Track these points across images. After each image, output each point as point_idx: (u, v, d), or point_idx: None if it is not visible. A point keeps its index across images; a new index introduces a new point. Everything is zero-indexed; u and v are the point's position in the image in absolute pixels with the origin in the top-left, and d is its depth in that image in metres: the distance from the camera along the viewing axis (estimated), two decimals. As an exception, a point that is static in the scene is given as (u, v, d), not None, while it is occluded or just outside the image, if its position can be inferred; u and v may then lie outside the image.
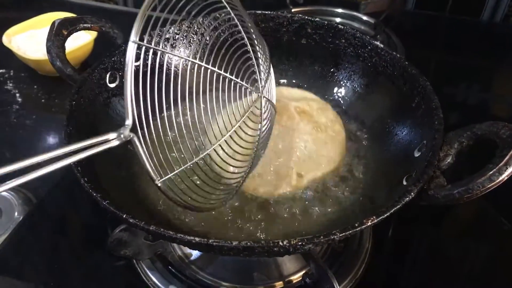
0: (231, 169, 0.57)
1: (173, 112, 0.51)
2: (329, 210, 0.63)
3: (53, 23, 0.66)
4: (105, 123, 0.66)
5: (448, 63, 1.15)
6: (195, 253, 0.68)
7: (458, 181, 0.50)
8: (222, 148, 0.54)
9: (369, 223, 0.47)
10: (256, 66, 0.58)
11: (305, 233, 0.59)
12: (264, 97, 0.58)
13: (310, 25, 0.78)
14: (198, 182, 0.52)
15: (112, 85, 0.68)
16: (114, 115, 0.68)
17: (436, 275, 0.69)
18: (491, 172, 0.48)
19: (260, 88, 0.58)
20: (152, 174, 0.46)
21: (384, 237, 0.73)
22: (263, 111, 0.58)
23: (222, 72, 0.54)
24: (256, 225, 0.61)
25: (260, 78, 0.58)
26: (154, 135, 0.47)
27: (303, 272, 0.66)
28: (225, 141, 0.54)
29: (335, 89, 0.80)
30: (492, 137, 0.52)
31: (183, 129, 0.54)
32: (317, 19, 0.77)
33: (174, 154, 0.50)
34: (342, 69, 0.78)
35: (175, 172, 0.48)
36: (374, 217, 0.47)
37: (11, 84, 1.05)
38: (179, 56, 0.53)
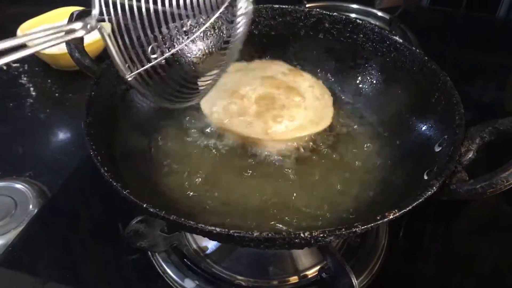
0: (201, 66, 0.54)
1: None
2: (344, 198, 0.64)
3: (72, 14, 0.66)
4: (124, 114, 0.66)
5: (463, 60, 1.15)
6: (210, 247, 0.68)
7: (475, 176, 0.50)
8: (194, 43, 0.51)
9: (391, 217, 0.46)
10: None
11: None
12: None
13: (328, 20, 0.77)
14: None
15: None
16: (132, 106, 0.68)
17: (451, 272, 0.68)
18: (515, 167, 0.48)
19: None
20: (122, 68, 0.44)
21: (400, 234, 0.72)
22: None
23: None
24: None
25: None
26: (123, 26, 0.44)
27: (319, 267, 0.65)
28: (198, 37, 0.51)
29: (353, 84, 0.79)
30: (515, 132, 0.52)
31: (155, 21, 0.51)
32: (335, 13, 0.77)
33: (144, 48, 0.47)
34: (360, 64, 0.77)
35: (146, 66, 0.46)
36: (396, 210, 0.47)
37: (25, 78, 1.06)
38: None
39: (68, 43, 0.65)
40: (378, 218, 0.46)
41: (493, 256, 0.72)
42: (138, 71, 0.45)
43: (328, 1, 1.20)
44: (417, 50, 0.69)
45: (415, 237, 0.73)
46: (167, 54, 0.48)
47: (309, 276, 0.66)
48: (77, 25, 0.41)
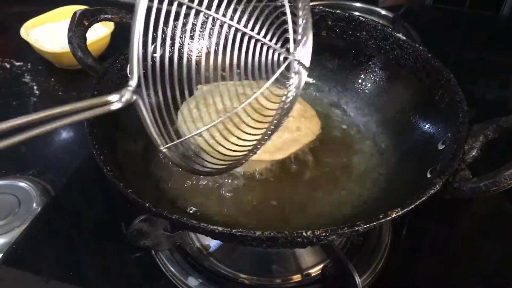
0: (242, 140, 0.53)
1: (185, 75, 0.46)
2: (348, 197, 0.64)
3: (75, 13, 0.66)
4: (127, 113, 0.65)
5: (466, 58, 1.14)
6: (213, 245, 0.68)
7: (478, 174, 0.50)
8: (237, 117, 0.50)
9: (394, 215, 0.46)
10: (289, 23, 0.52)
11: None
12: (295, 60, 0.53)
13: (331, 17, 0.77)
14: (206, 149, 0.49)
15: (133, 76, 0.68)
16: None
17: (454, 271, 0.68)
18: (519, 165, 0.47)
19: (291, 49, 0.53)
20: (157, 140, 0.43)
21: (403, 233, 0.72)
22: (291, 76, 0.53)
23: (244, 28, 0.49)
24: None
25: (293, 38, 0.52)
26: (161, 97, 0.43)
27: (322, 265, 0.65)
28: (239, 111, 0.50)
29: (356, 82, 0.79)
30: (519, 129, 0.52)
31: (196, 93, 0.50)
32: (338, 11, 0.77)
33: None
34: (363, 62, 0.77)
35: (182, 139, 0.46)
36: (399, 209, 0.46)
37: (28, 77, 1.06)
38: (197, 9, 0.45)
39: (71, 41, 0.65)
40: (381, 216, 0.46)
41: (496, 255, 0.71)
42: (174, 142, 0.45)
43: (331, 0, 1.20)
44: (421, 48, 0.68)
45: (418, 236, 0.73)
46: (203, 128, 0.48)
47: (313, 275, 0.66)
48: (114, 97, 0.40)
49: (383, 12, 1.18)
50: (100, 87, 0.61)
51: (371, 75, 0.77)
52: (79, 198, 0.77)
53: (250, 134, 0.53)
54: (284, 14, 0.53)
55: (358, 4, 1.20)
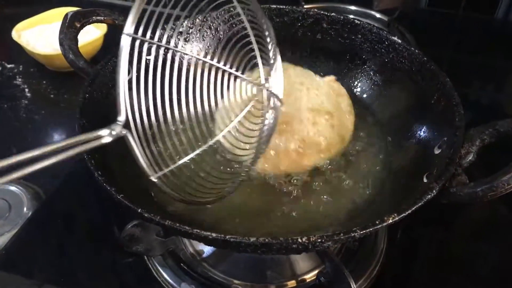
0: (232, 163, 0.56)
1: (169, 105, 0.50)
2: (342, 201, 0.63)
3: (66, 15, 0.66)
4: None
5: (461, 61, 1.14)
6: (207, 251, 0.67)
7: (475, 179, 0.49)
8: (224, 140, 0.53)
9: (390, 221, 0.46)
10: (258, 57, 0.57)
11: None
12: (267, 90, 0.56)
13: (326, 20, 0.77)
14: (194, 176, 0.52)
15: (125, 78, 0.67)
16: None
17: (450, 276, 0.68)
18: (516, 170, 0.47)
19: (262, 81, 0.56)
20: (147, 170, 0.46)
21: (399, 238, 0.71)
22: (266, 104, 0.56)
23: (222, 66, 0.54)
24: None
25: (262, 71, 0.56)
26: (147, 130, 0.46)
27: (317, 271, 0.65)
28: (224, 135, 0.53)
29: (351, 85, 0.78)
30: (516, 134, 0.51)
31: (180, 122, 0.54)
32: (332, 14, 0.76)
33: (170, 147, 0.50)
34: (358, 65, 0.77)
35: (170, 167, 0.48)
36: (395, 214, 0.46)
37: (20, 79, 1.05)
38: (177, 51, 0.52)
39: (62, 43, 0.64)
40: (377, 222, 0.45)
41: (492, 260, 0.71)
42: (164, 171, 0.48)
43: (326, 3, 1.20)
44: (416, 51, 0.68)
45: (413, 241, 0.72)
46: (191, 155, 0.51)
47: (308, 281, 0.65)
48: (104, 132, 0.44)
49: (378, 15, 1.18)
50: (92, 90, 0.61)
51: (366, 79, 0.77)
52: (70, 202, 0.76)
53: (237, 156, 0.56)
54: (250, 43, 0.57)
55: (353, 7, 1.20)
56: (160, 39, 0.52)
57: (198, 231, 0.44)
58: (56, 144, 0.41)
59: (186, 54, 0.52)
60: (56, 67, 1.05)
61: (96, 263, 0.68)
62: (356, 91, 0.78)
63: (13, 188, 0.77)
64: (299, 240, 0.43)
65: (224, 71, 0.56)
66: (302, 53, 0.81)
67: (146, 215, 0.45)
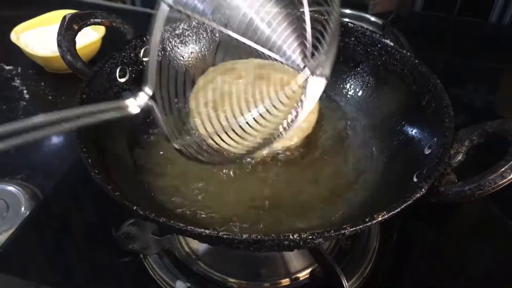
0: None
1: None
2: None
3: (64, 17, 0.67)
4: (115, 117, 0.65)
5: (455, 64, 1.15)
6: (202, 249, 0.68)
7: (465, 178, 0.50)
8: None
9: (380, 218, 0.47)
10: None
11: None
12: (313, 73, 0.52)
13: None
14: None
15: (122, 80, 0.68)
16: (124, 108, 0.68)
17: (443, 275, 0.68)
18: (502, 169, 0.48)
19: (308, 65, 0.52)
20: (170, 137, 0.47)
21: (391, 237, 0.72)
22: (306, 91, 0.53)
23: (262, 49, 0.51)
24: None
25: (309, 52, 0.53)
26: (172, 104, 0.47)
27: (310, 269, 0.66)
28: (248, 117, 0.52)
29: (344, 87, 0.79)
30: (504, 134, 0.52)
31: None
32: (326, 17, 0.77)
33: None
34: (351, 67, 0.78)
35: (192, 138, 0.50)
36: (385, 212, 0.47)
37: (18, 81, 1.06)
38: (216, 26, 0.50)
39: (60, 45, 0.65)
40: (367, 220, 0.46)
41: (484, 260, 0.72)
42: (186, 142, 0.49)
43: (321, 6, 1.20)
44: (408, 53, 0.69)
45: (406, 240, 0.73)
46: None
47: (301, 279, 0.66)
48: (130, 101, 0.44)
49: (372, 18, 1.19)
50: (89, 90, 0.62)
51: (360, 81, 0.77)
52: (68, 202, 0.77)
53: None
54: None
55: (348, 11, 1.20)
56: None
57: (192, 228, 0.45)
58: (81, 108, 0.40)
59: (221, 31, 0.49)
60: (55, 69, 1.06)
61: (92, 263, 0.69)
62: (349, 93, 0.79)
63: (11, 188, 0.78)
64: (291, 236, 0.44)
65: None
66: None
67: (141, 212, 0.46)
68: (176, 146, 0.48)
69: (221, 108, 0.57)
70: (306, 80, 0.52)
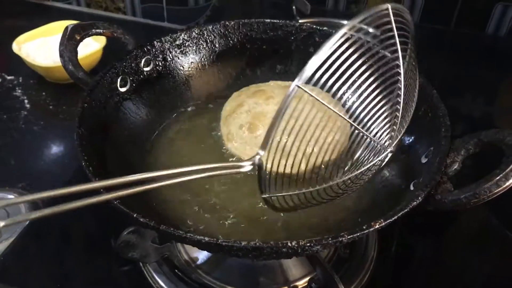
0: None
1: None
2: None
3: (66, 28, 0.68)
4: (116, 126, 0.66)
5: (452, 75, 1.16)
6: (201, 257, 0.68)
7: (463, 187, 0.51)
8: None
9: (377, 226, 0.47)
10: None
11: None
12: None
13: (318, 34, 0.79)
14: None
15: (123, 89, 0.69)
16: (125, 117, 0.69)
17: (440, 284, 0.69)
18: (497, 178, 0.49)
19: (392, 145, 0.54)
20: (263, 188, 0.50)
21: (390, 246, 0.73)
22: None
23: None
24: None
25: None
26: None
27: (309, 277, 0.66)
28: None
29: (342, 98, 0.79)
30: (499, 144, 0.53)
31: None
32: (324, 28, 0.79)
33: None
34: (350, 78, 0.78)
35: (283, 193, 0.51)
36: (382, 220, 0.48)
37: (19, 91, 1.06)
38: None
39: (62, 55, 0.66)
40: (364, 227, 0.47)
41: (482, 270, 0.72)
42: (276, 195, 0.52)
43: (320, 18, 1.22)
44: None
45: (404, 249, 0.74)
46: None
47: (299, 287, 0.66)
48: (246, 163, 0.48)
49: (370, 30, 1.20)
50: (91, 99, 0.62)
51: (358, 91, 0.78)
52: (67, 212, 0.77)
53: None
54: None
55: (346, 22, 1.21)
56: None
57: (191, 235, 0.45)
58: (201, 166, 0.46)
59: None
60: (56, 79, 1.07)
61: (92, 272, 0.69)
62: (347, 103, 0.79)
63: (11, 196, 0.78)
64: (289, 244, 0.45)
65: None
66: (296, 65, 0.82)
67: (141, 219, 0.47)
68: (264, 196, 0.50)
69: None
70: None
